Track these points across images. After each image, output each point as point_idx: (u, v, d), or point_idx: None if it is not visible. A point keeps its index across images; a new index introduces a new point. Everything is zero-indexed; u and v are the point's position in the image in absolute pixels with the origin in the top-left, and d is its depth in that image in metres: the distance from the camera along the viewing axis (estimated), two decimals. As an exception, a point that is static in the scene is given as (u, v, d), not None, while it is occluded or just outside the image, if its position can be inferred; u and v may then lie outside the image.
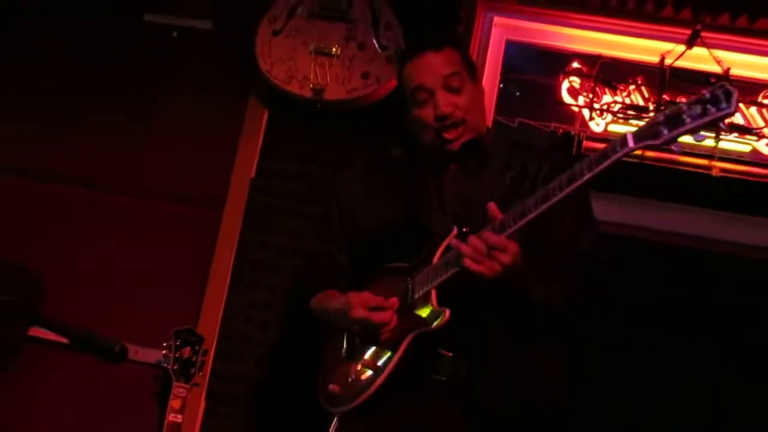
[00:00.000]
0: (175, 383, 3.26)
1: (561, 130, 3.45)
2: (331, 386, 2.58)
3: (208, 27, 3.75)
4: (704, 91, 2.01)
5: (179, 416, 3.22)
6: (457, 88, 2.56)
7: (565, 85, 3.52)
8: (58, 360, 3.53)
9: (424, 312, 2.43)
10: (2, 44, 3.92)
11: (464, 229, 2.41)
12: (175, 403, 3.24)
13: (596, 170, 2.17)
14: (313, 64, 3.44)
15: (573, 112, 3.51)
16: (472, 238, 2.31)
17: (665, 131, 2.08)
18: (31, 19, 3.90)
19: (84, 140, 3.80)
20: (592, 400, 3.38)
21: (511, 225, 2.28)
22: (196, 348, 3.32)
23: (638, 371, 3.62)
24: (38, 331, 3.49)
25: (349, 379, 2.52)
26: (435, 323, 2.37)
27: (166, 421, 3.22)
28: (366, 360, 2.50)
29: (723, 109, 1.99)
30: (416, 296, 2.45)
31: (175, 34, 3.76)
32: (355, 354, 2.55)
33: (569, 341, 2.58)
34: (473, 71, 2.66)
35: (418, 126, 2.61)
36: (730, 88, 1.99)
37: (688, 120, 2.06)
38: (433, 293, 2.41)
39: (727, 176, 3.47)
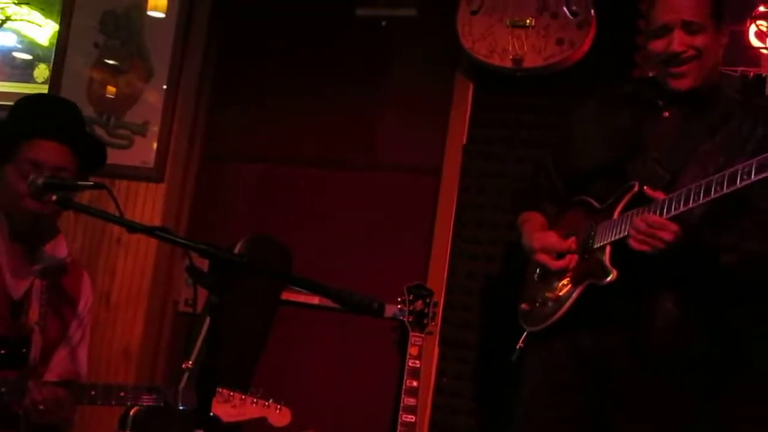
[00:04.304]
0: (411, 333, 3.52)
1: (751, 73, 3.38)
2: (522, 305, 2.84)
3: (413, 14, 3.95)
4: None
5: (417, 362, 3.48)
6: (695, 30, 2.58)
7: (752, 29, 3.46)
8: (312, 318, 3.94)
9: (599, 262, 2.58)
10: (237, 46, 4.32)
11: (644, 188, 2.54)
12: (413, 350, 3.50)
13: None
14: (510, 36, 3.58)
15: (760, 54, 3.44)
16: (637, 220, 2.45)
17: None
18: (259, 20, 4.27)
19: (314, 126, 4.11)
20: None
21: (675, 208, 2.40)
22: (427, 300, 3.58)
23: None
24: (292, 296, 3.93)
25: (537, 303, 2.77)
26: (604, 279, 2.54)
27: (406, 367, 3.47)
28: (551, 290, 2.73)
29: None
30: (595, 246, 2.61)
31: (384, 23, 3.99)
32: (545, 280, 2.77)
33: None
34: (720, 19, 2.63)
35: (650, 58, 2.69)
36: None
37: None
38: (607, 250, 2.57)
39: None
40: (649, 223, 2.44)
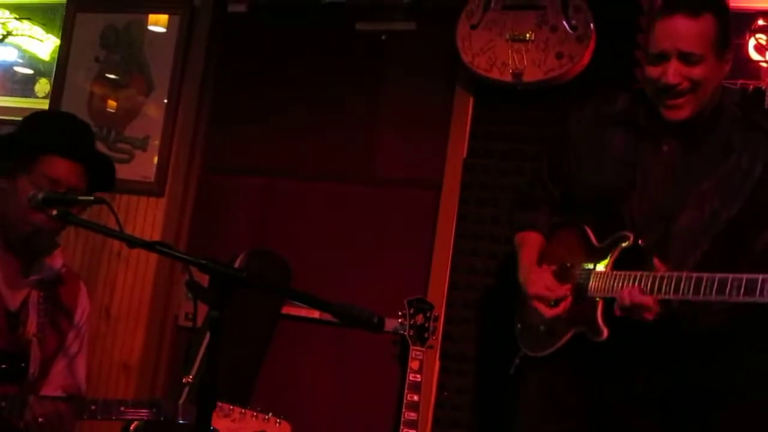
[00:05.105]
0: (412, 347, 3.52)
1: (751, 86, 3.38)
2: (519, 324, 2.84)
3: (412, 28, 3.95)
4: None
5: (418, 376, 3.47)
6: (694, 61, 2.46)
7: (751, 42, 3.46)
8: (313, 332, 3.92)
9: (592, 313, 2.56)
10: (238, 60, 4.32)
11: (639, 242, 2.51)
12: (413, 365, 3.49)
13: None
14: (510, 50, 3.59)
15: (760, 68, 3.44)
16: (624, 292, 2.42)
17: None
18: (259, 34, 4.27)
19: (314, 140, 4.11)
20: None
21: (665, 293, 2.37)
22: (428, 314, 3.57)
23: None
24: (292, 310, 3.92)
25: (530, 328, 2.77)
26: (596, 337, 2.53)
27: (407, 381, 3.47)
28: (545, 322, 2.70)
29: None
30: (588, 294, 2.58)
31: (383, 37, 4.00)
32: None
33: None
34: (723, 44, 2.51)
35: (647, 81, 2.57)
36: None
37: None
38: (600, 306, 2.54)
39: None
40: (635, 301, 2.41)
